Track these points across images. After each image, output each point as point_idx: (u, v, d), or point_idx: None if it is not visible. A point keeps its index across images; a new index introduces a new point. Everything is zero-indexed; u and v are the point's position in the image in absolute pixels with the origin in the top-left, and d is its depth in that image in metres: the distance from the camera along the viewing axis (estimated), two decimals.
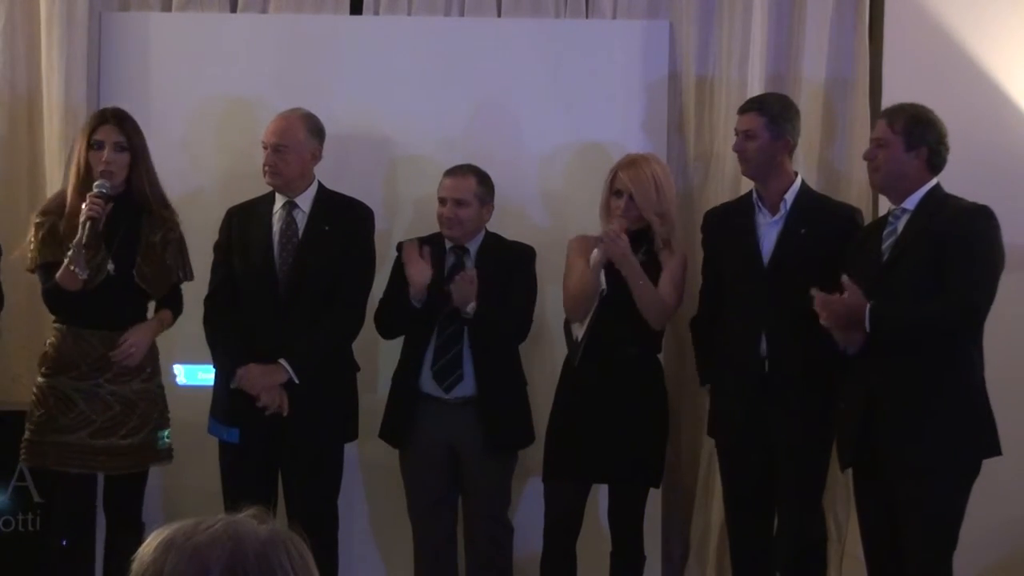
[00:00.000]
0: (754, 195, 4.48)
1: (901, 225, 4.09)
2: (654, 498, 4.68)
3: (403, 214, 5.04)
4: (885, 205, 4.38)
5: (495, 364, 4.53)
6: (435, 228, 4.64)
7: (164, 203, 4.39)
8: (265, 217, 4.53)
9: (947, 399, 3.96)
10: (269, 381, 4.37)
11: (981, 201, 4.07)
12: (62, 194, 4.34)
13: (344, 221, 4.53)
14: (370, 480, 4.98)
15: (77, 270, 4.11)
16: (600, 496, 4.72)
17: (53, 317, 4.35)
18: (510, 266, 4.59)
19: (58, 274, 4.16)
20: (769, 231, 4.41)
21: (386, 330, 4.66)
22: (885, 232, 4.13)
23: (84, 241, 4.10)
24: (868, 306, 3.91)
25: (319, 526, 4.36)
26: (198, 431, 4.58)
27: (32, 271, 4.34)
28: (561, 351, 4.63)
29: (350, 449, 4.68)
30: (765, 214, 4.43)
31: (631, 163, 4.49)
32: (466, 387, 4.50)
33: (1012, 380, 4.53)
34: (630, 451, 4.42)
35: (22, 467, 4.48)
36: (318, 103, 4.73)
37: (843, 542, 4.96)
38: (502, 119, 5.10)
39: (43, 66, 4.96)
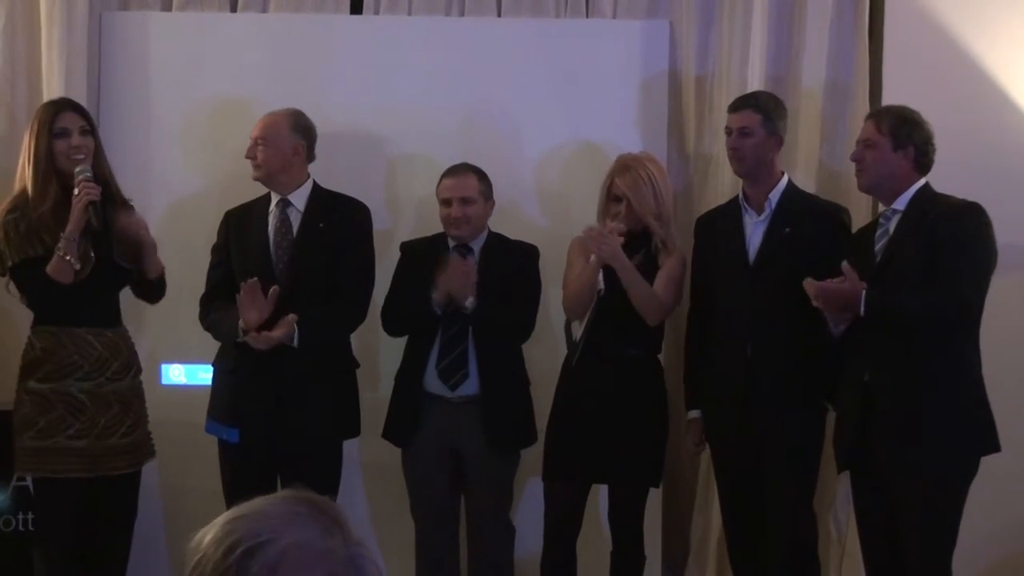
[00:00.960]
0: (740, 196, 4.50)
1: (892, 226, 4.10)
2: (654, 498, 4.69)
3: (404, 214, 5.04)
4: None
5: (499, 363, 4.54)
6: (437, 228, 4.64)
7: (117, 186, 4.36)
8: (261, 217, 4.54)
9: (945, 397, 3.97)
10: (275, 332, 4.33)
11: (981, 201, 4.07)
12: (24, 192, 4.20)
13: (339, 219, 4.54)
14: (371, 479, 4.98)
15: (72, 259, 4.08)
16: (600, 496, 4.72)
17: (35, 319, 4.27)
18: (514, 265, 4.60)
19: (50, 266, 4.09)
20: (756, 231, 4.43)
21: (394, 329, 4.66)
22: (877, 233, 4.15)
23: (95, 224, 4.09)
24: (863, 291, 3.92)
25: None
26: (197, 431, 4.57)
27: (5, 272, 4.23)
28: (563, 351, 4.63)
29: (352, 448, 4.68)
30: (752, 214, 4.45)
31: (626, 167, 4.50)
32: (470, 386, 4.50)
33: (1010, 378, 4.54)
34: (630, 451, 4.42)
35: None
36: (318, 103, 4.74)
37: (843, 542, 4.96)
38: (502, 119, 5.10)
39: (43, 65, 4.95)
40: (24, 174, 4.21)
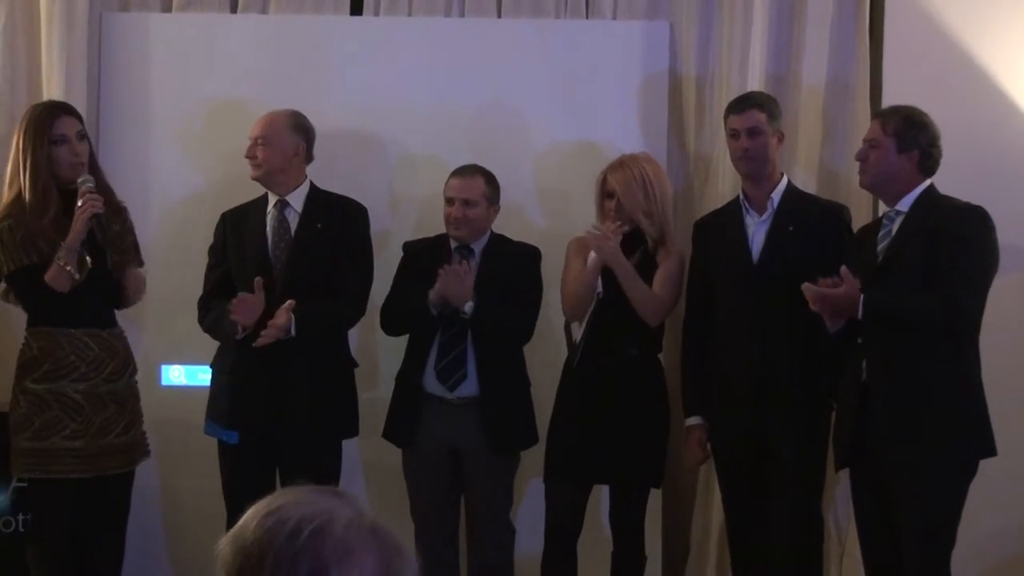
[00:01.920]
0: (741, 197, 4.49)
1: (895, 227, 4.10)
2: (655, 498, 4.68)
3: (405, 214, 5.04)
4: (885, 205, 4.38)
5: (499, 364, 4.53)
6: (438, 229, 4.64)
7: (111, 190, 4.35)
8: (259, 217, 4.54)
9: (944, 399, 3.96)
10: (275, 321, 4.31)
11: (982, 202, 4.07)
12: (19, 200, 4.15)
13: (337, 219, 4.54)
14: (371, 479, 4.98)
15: (71, 269, 4.08)
16: (601, 497, 4.72)
17: (31, 321, 4.27)
18: (515, 267, 4.60)
19: (48, 275, 4.09)
20: (758, 231, 4.43)
21: (392, 328, 4.66)
22: (880, 234, 4.14)
23: (99, 236, 4.10)
24: (862, 297, 3.92)
25: None
26: (196, 432, 4.57)
27: (1, 279, 4.22)
28: (564, 352, 4.63)
29: (351, 448, 4.68)
30: (753, 215, 4.45)
31: (619, 164, 4.50)
32: (469, 386, 4.49)
33: (1010, 382, 4.53)
34: (631, 452, 4.42)
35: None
36: (318, 104, 4.74)
37: (843, 542, 4.96)
38: (502, 119, 5.10)
39: (43, 66, 4.96)
40: (19, 180, 4.15)
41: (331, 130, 4.72)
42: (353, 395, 4.60)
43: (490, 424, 4.49)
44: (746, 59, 5.06)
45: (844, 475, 4.50)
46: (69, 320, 4.20)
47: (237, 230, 4.57)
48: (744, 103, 4.50)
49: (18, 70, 5.00)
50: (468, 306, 4.41)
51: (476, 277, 4.49)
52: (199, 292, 4.60)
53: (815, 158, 5.03)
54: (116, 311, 4.39)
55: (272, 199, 4.55)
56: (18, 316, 4.43)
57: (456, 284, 4.39)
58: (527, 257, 4.63)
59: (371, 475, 4.98)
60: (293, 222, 4.52)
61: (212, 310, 4.51)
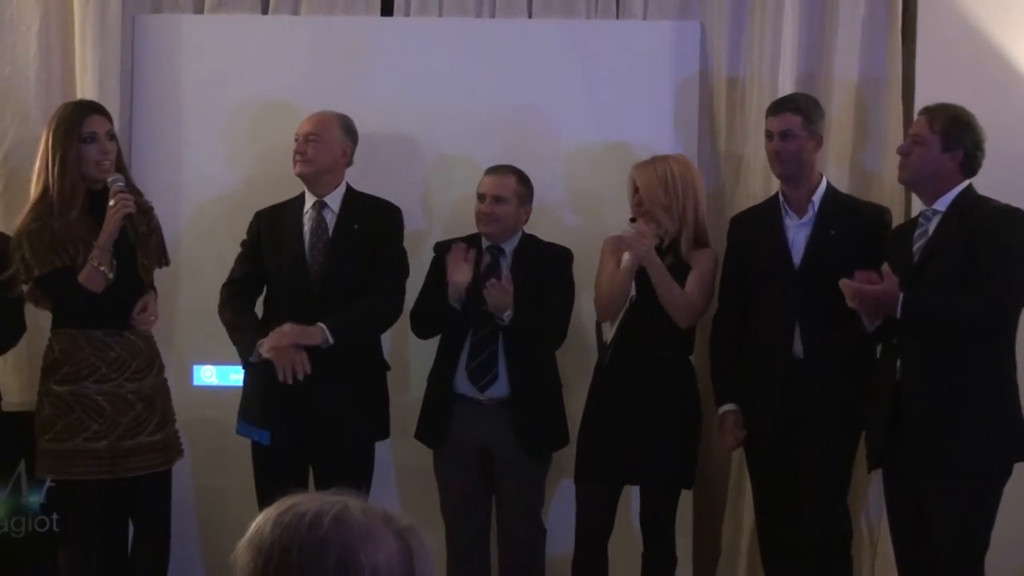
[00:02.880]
0: (780, 198, 4.47)
1: (932, 227, 4.07)
2: (685, 499, 4.67)
3: (437, 215, 5.05)
4: (918, 205, 4.36)
5: (530, 365, 4.53)
6: (470, 229, 4.64)
7: (138, 191, 4.36)
8: (295, 217, 4.55)
9: (979, 400, 3.94)
10: (306, 339, 4.33)
11: (1013, 200, 4.05)
12: (46, 197, 4.15)
13: (373, 221, 4.55)
14: (403, 479, 4.99)
15: (105, 269, 4.09)
16: (632, 497, 4.71)
17: (55, 322, 4.28)
18: (546, 268, 4.59)
19: (82, 276, 4.10)
20: (798, 233, 4.41)
21: (422, 329, 4.66)
22: (916, 233, 4.11)
23: (132, 238, 4.10)
24: (901, 296, 3.89)
25: None
26: (229, 431, 4.59)
27: (33, 280, 4.19)
28: (595, 352, 4.62)
29: (383, 449, 4.69)
30: (792, 216, 4.43)
31: (647, 162, 4.51)
32: (500, 388, 4.50)
33: None
34: (662, 453, 4.41)
35: None
36: (349, 104, 4.75)
37: (875, 543, 4.94)
38: (533, 120, 5.09)
39: (77, 68, 4.98)
40: (47, 179, 4.16)
41: (362, 130, 4.72)
42: (385, 398, 4.61)
43: (520, 426, 4.49)
44: (777, 58, 5.04)
45: (875, 475, 4.48)
46: (92, 321, 4.20)
47: (272, 229, 4.58)
48: (781, 105, 4.50)
49: (52, 72, 5.03)
50: (507, 314, 4.41)
51: (507, 277, 4.49)
52: (218, 289, 4.62)
53: (847, 156, 5.01)
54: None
55: (310, 199, 4.56)
56: (44, 317, 4.45)
57: (502, 297, 4.39)
58: (559, 258, 4.62)
59: (402, 476, 4.99)
60: (331, 222, 4.53)
61: (235, 311, 4.52)
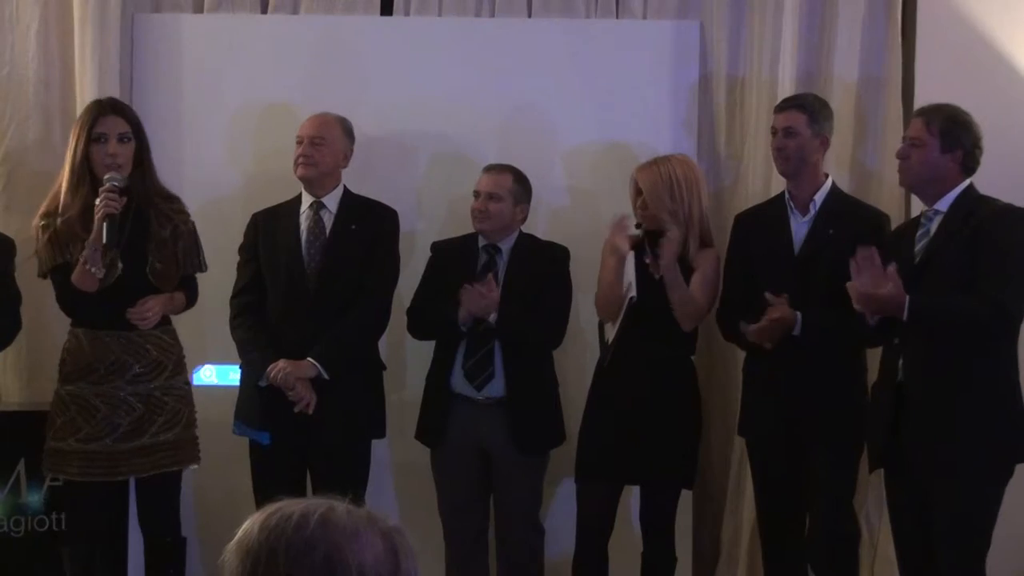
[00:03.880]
0: (786, 195, 4.48)
1: (934, 227, 4.07)
2: (685, 499, 4.67)
3: (435, 214, 5.04)
4: (918, 206, 4.35)
5: (526, 364, 4.53)
6: (468, 228, 4.64)
7: (167, 195, 4.34)
8: (292, 218, 4.55)
9: (981, 401, 3.94)
10: (301, 374, 4.36)
11: (1014, 200, 4.05)
12: (58, 195, 4.19)
13: (370, 222, 4.55)
14: (400, 479, 4.98)
15: (94, 269, 4.06)
16: (632, 497, 4.71)
17: (70, 321, 4.29)
18: (544, 267, 4.59)
19: (74, 275, 4.09)
20: (799, 230, 4.42)
21: (421, 335, 4.67)
22: (918, 234, 4.11)
23: (105, 239, 4.03)
24: (907, 299, 3.89)
25: None
26: (228, 431, 4.59)
27: (43, 276, 4.23)
28: (594, 351, 4.62)
29: (381, 448, 4.69)
30: (796, 215, 4.43)
31: (651, 164, 4.50)
32: (496, 387, 4.49)
33: None
34: (663, 452, 4.41)
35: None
36: (348, 104, 4.75)
37: (876, 544, 4.94)
38: (532, 119, 5.09)
39: (76, 67, 4.98)
40: (62, 177, 4.21)
41: (361, 130, 4.72)
42: (381, 397, 4.61)
43: (516, 425, 4.49)
44: (777, 58, 5.04)
45: (876, 476, 4.48)
46: (97, 322, 4.18)
47: (269, 230, 4.58)
48: (787, 102, 4.53)
49: (51, 71, 5.02)
50: (492, 317, 4.42)
51: (504, 276, 4.50)
52: (225, 294, 4.61)
53: (847, 156, 5.01)
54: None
55: (307, 200, 4.56)
56: (54, 318, 4.45)
57: (480, 301, 4.39)
58: (556, 257, 4.62)
59: (400, 476, 4.99)
60: (328, 223, 4.53)
61: (245, 327, 4.52)
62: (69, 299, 4.19)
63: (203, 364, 5.02)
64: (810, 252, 4.36)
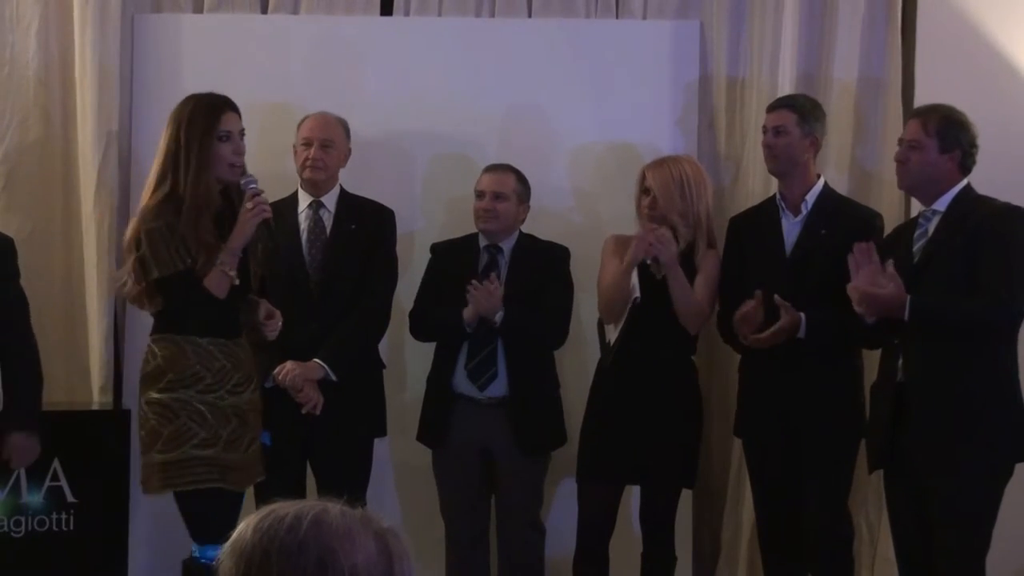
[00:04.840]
0: (777, 196, 4.49)
1: (932, 227, 4.07)
2: (685, 499, 4.67)
3: (435, 214, 5.04)
4: (918, 206, 4.35)
5: (529, 364, 4.54)
6: (470, 228, 4.64)
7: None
8: (290, 217, 4.54)
9: (981, 400, 3.95)
10: (310, 376, 4.35)
11: (1014, 199, 4.05)
12: (173, 197, 3.86)
13: (368, 222, 4.55)
14: (401, 479, 4.98)
15: (234, 274, 3.88)
16: (632, 496, 4.72)
17: (156, 328, 3.99)
18: (545, 266, 4.60)
19: (210, 280, 3.86)
20: (791, 230, 4.42)
21: (422, 336, 4.67)
22: (916, 234, 4.11)
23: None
24: (908, 299, 3.89)
25: None
26: None
27: (146, 281, 3.88)
28: (594, 351, 4.63)
29: (381, 448, 4.69)
30: (788, 216, 4.44)
31: (661, 163, 4.50)
32: (499, 386, 4.50)
33: None
34: (664, 452, 4.41)
35: (56, 466, 4.48)
36: (348, 104, 4.75)
37: (875, 544, 4.94)
38: (533, 120, 5.10)
39: (77, 68, 4.97)
40: (176, 178, 3.87)
41: (361, 130, 4.72)
42: (381, 396, 4.61)
43: (518, 425, 4.49)
44: (777, 58, 5.04)
45: (876, 476, 4.48)
46: (199, 328, 3.92)
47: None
48: (778, 102, 4.54)
49: (51, 71, 5.01)
50: (498, 316, 4.42)
51: (506, 276, 4.51)
52: None
53: (847, 157, 5.02)
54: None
55: (305, 199, 4.56)
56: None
57: (487, 301, 4.39)
58: (557, 256, 4.63)
59: (401, 475, 4.99)
60: (328, 222, 4.53)
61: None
62: (191, 305, 3.90)
63: None
64: (802, 253, 4.37)
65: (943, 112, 4.10)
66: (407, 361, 4.92)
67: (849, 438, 4.34)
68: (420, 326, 4.65)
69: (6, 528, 4.48)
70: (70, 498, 4.53)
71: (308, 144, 4.52)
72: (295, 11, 5.20)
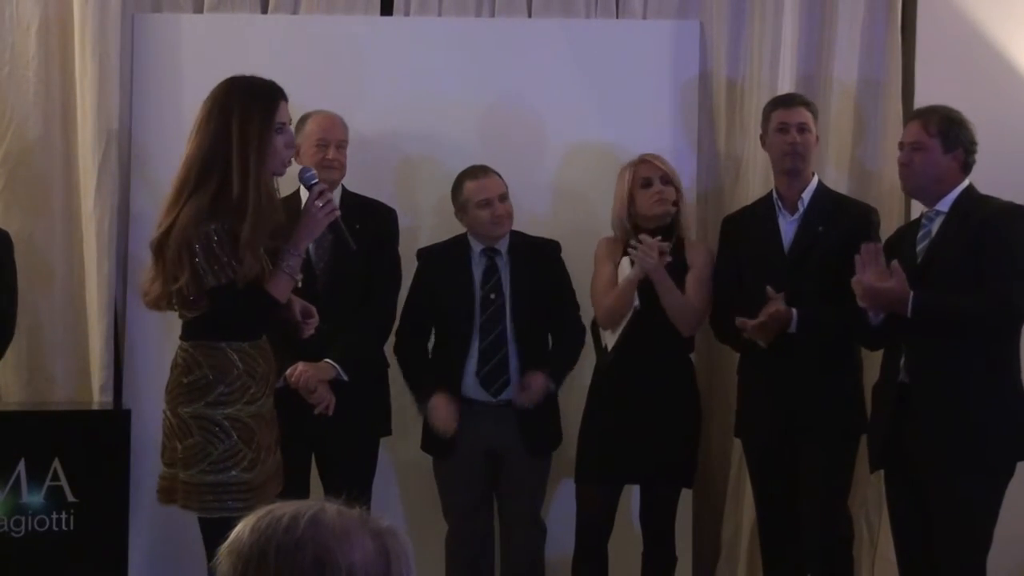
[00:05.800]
0: (774, 195, 4.49)
1: (935, 227, 4.08)
2: (685, 499, 4.67)
3: (435, 214, 5.03)
4: (918, 206, 4.36)
5: (537, 368, 4.53)
6: (459, 230, 4.64)
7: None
8: (293, 217, 4.53)
9: (982, 400, 3.95)
10: (323, 376, 4.33)
11: (1015, 199, 4.05)
12: (224, 196, 3.49)
13: (372, 222, 4.55)
14: (404, 479, 4.98)
15: (299, 277, 3.70)
16: (632, 497, 4.72)
17: (192, 334, 3.64)
18: (543, 266, 4.62)
19: (276, 285, 3.60)
20: (788, 229, 4.43)
21: (399, 358, 4.64)
22: (919, 235, 4.12)
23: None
24: (911, 294, 3.89)
25: None
26: None
27: (191, 292, 3.53)
28: (589, 352, 4.62)
29: (384, 448, 4.69)
30: (785, 214, 4.45)
31: (644, 159, 4.53)
32: (512, 390, 4.51)
33: None
34: (663, 452, 4.41)
35: (56, 466, 4.47)
36: (348, 104, 4.74)
37: (875, 544, 4.94)
38: (533, 119, 5.09)
39: (77, 68, 4.97)
40: (225, 175, 3.50)
41: (361, 129, 4.72)
42: (387, 394, 4.61)
43: (527, 426, 4.50)
44: (777, 58, 5.04)
45: (876, 476, 4.49)
46: (242, 333, 3.64)
47: None
48: (793, 100, 4.55)
49: (51, 71, 5.01)
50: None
51: (509, 278, 4.54)
52: None
53: (847, 157, 5.03)
54: None
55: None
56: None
57: (532, 398, 4.46)
58: (551, 251, 4.66)
59: (403, 475, 4.98)
60: None
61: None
62: (235, 310, 3.59)
63: None
64: (801, 250, 4.37)
65: (943, 112, 4.11)
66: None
67: (849, 438, 4.35)
68: (403, 355, 4.62)
69: (6, 528, 4.48)
70: (70, 498, 4.52)
71: (324, 145, 4.50)
72: (295, 11, 5.20)
